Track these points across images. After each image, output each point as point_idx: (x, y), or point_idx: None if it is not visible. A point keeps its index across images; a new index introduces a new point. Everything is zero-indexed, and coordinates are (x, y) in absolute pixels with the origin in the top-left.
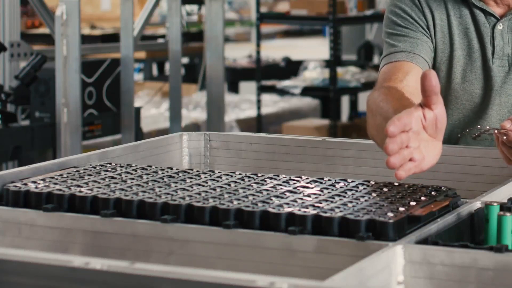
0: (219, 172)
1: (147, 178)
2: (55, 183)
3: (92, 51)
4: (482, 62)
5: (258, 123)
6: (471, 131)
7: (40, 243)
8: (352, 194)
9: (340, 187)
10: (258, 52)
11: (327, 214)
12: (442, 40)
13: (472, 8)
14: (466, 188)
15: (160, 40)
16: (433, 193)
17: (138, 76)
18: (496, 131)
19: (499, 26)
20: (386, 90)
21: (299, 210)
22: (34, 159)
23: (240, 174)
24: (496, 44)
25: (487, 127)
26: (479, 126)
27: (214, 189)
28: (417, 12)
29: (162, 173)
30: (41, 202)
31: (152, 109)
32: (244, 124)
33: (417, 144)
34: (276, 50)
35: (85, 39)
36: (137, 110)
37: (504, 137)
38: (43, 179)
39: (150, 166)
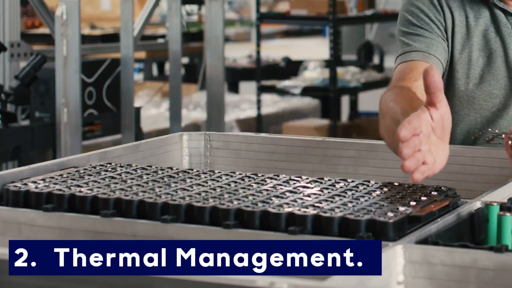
0: (219, 172)
1: (147, 178)
2: (55, 183)
3: (92, 51)
4: (502, 62)
5: (258, 123)
6: (483, 134)
7: None
8: (352, 194)
9: (340, 187)
10: (258, 52)
11: (327, 214)
12: (461, 41)
13: (493, 8)
14: (466, 188)
15: (160, 40)
16: (433, 193)
17: (138, 76)
18: (504, 135)
19: None
20: (398, 90)
21: (299, 210)
22: (34, 159)
23: (240, 174)
24: None
25: (497, 130)
26: (490, 130)
27: (214, 189)
28: (434, 13)
29: (162, 173)
30: (41, 202)
31: (152, 109)
32: (244, 124)
33: (428, 147)
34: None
35: (85, 39)
36: (137, 110)
37: (510, 142)
38: (43, 179)
39: (150, 166)
